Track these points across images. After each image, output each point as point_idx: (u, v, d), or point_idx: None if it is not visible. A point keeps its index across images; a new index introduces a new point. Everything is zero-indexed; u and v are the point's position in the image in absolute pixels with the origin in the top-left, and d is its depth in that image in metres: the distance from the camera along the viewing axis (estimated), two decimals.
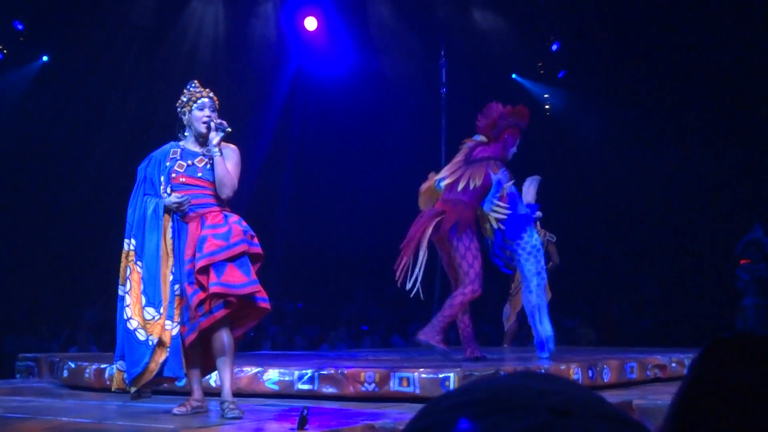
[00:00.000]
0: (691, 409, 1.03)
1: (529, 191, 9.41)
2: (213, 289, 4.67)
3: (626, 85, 14.70)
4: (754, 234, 12.15)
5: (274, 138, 15.34)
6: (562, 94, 15.67)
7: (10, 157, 13.74)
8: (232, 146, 5.11)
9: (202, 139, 5.06)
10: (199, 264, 4.70)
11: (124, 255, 4.92)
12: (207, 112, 5.04)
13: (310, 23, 14.44)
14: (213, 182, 4.96)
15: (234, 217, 4.94)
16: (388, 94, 14.89)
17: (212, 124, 4.98)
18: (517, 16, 14.67)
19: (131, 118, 13.86)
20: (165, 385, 5.25)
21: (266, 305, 4.90)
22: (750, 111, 14.40)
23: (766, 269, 12.04)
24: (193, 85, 5.17)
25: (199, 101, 5.05)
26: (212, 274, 4.69)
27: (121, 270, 4.91)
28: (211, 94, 5.11)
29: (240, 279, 4.73)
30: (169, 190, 4.94)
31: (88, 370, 6.57)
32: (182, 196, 4.87)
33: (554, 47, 15.08)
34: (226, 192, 4.94)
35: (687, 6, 13.84)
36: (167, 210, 4.88)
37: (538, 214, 9.49)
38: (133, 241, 4.90)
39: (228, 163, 4.97)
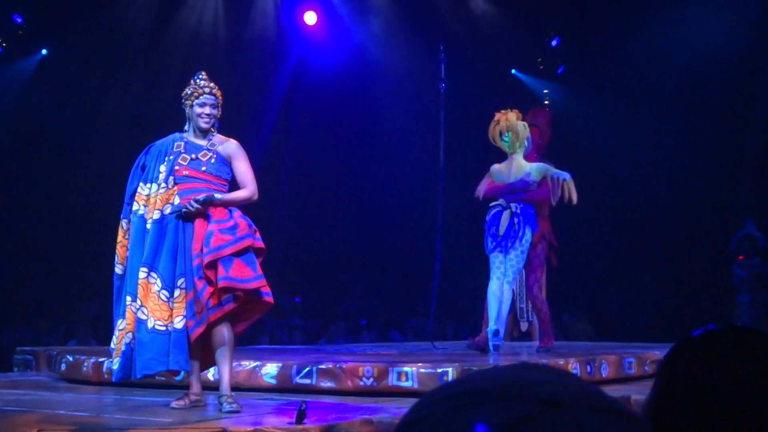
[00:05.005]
0: (663, 407, 1.03)
1: None
2: (222, 283, 4.72)
3: (626, 81, 14.68)
4: (746, 229, 12.15)
5: (273, 132, 15.30)
6: (562, 89, 15.65)
7: (9, 150, 13.70)
8: (234, 141, 5.11)
9: (203, 134, 5.07)
10: (207, 259, 4.74)
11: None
12: (207, 110, 5.04)
13: (310, 17, 14.41)
14: (217, 176, 5.01)
15: (238, 212, 4.97)
16: (388, 88, 14.85)
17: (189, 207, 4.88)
18: (516, 11, 14.63)
19: (130, 112, 13.82)
20: (163, 378, 5.27)
21: (270, 299, 4.95)
22: (749, 106, 14.40)
23: (761, 265, 12.04)
24: (200, 76, 5.15)
25: (201, 97, 5.04)
26: (220, 269, 4.74)
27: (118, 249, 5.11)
28: (215, 90, 5.09)
29: (247, 274, 4.79)
30: (171, 180, 4.96)
31: (86, 364, 6.57)
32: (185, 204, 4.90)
33: (554, 43, 15.05)
34: (255, 199, 5.02)
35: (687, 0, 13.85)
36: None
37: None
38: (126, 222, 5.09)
39: (239, 164, 5.02)
